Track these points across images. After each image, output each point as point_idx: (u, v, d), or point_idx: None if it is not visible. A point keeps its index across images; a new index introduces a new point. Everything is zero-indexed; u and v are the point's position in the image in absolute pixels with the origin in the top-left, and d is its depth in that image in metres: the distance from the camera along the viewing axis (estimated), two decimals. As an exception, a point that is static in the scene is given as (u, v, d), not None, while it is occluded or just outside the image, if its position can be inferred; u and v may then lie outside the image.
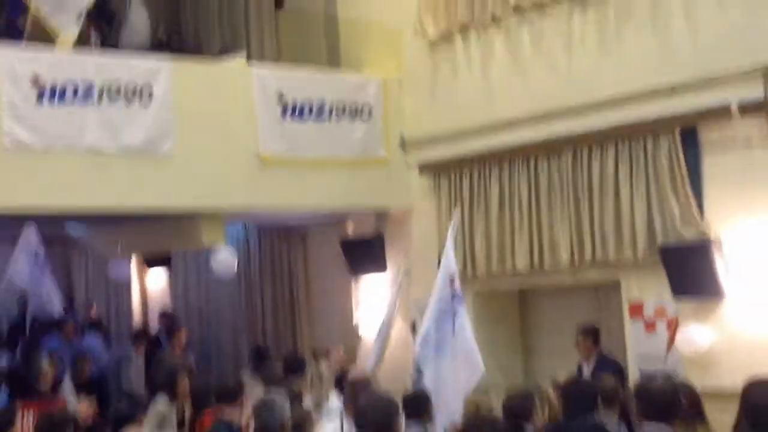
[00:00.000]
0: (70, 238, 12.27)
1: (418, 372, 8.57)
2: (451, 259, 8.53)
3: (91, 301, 13.93)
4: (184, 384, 9.05)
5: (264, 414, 6.05)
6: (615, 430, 6.59)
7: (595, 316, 9.81)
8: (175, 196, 9.30)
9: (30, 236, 12.68)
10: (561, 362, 10.07)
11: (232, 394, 6.99)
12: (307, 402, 7.93)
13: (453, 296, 8.56)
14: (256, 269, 12.56)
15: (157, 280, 14.10)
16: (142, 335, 11.67)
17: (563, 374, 8.21)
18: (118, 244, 11.07)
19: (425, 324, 8.63)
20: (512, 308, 10.55)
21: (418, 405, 7.01)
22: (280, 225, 12.07)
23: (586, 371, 9.13)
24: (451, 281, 8.55)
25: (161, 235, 10.31)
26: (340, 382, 8.06)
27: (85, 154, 8.84)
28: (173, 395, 8.92)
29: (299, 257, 12.13)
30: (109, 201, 9.01)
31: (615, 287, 9.14)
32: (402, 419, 6.07)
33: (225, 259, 9.88)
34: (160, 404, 8.91)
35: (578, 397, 6.07)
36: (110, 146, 8.95)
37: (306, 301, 12.03)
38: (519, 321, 10.61)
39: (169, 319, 12.80)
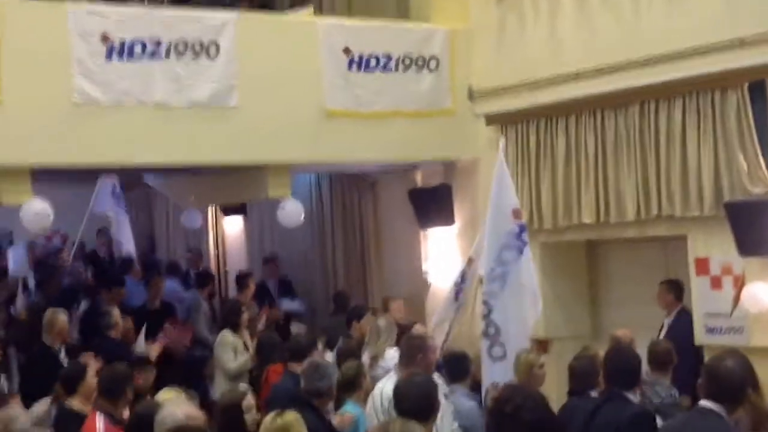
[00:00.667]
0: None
1: (487, 307, 8.63)
2: (509, 192, 8.53)
3: (196, 251, 14.23)
4: (246, 318, 9.36)
5: (313, 377, 6.19)
6: (666, 394, 6.58)
7: (663, 269, 9.76)
8: (242, 150, 9.41)
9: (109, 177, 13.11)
10: (629, 314, 10.08)
11: (304, 352, 7.15)
12: (365, 356, 8.06)
13: (518, 229, 8.58)
14: (328, 217, 12.70)
15: (234, 226, 14.35)
16: (207, 279, 11.81)
17: (624, 330, 8.20)
18: (189, 194, 11.30)
19: (487, 260, 8.66)
20: (579, 260, 10.49)
21: (458, 366, 7.08)
22: (350, 173, 12.16)
23: (666, 325, 9.09)
24: (514, 214, 8.56)
25: (230, 186, 10.48)
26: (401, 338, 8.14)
27: (153, 109, 8.98)
28: (236, 328, 9.25)
29: (369, 205, 12.21)
30: (176, 155, 9.17)
31: (683, 241, 9.04)
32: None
33: (291, 210, 10.00)
34: (226, 334, 9.22)
35: (619, 371, 5.98)
36: (178, 101, 9.08)
37: (375, 249, 12.12)
38: (587, 272, 10.56)
39: (273, 263, 13.00)
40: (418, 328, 8.19)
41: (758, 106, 8.17)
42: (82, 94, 8.63)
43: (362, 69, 10.05)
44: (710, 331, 8.68)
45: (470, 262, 9.36)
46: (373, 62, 10.12)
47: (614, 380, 5.95)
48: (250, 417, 5.77)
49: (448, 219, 10.97)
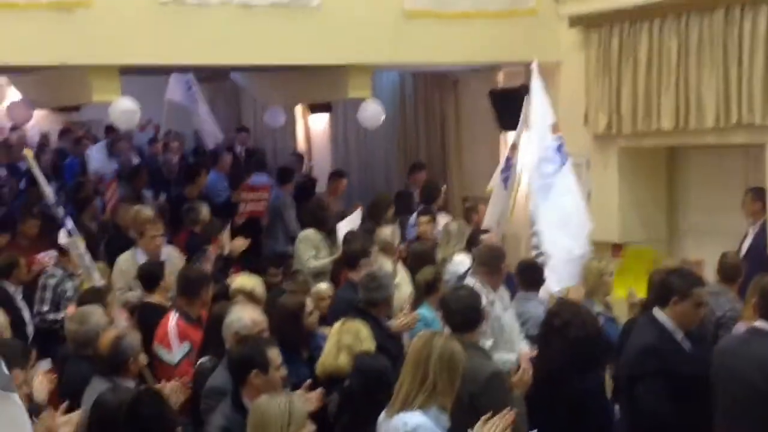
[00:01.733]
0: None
1: (532, 219, 8.73)
2: (547, 107, 8.54)
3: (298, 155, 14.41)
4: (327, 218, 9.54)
5: (370, 287, 6.37)
6: (729, 307, 6.60)
7: (744, 177, 9.71)
8: (323, 50, 9.51)
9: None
10: (707, 220, 10.10)
11: (356, 259, 7.34)
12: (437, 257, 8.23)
13: (558, 143, 8.58)
14: (411, 115, 12.81)
15: (320, 124, 14.55)
16: (288, 174, 11.86)
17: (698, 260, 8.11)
18: (272, 92, 11.49)
19: (529, 173, 8.69)
20: (659, 165, 10.44)
21: (532, 275, 7.20)
22: (432, 72, 12.19)
23: (751, 234, 9.06)
24: (552, 128, 8.56)
25: (312, 86, 10.63)
26: (471, 242, 8.26)
27: (236, 8, 9.10)
28: (320, 226, 9.43)
29: (451, 104, 12.28)
30: (258, 54, 9.34)
31: (764, 149, 8.96)
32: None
33: (371, 111, 10.13)
34: (309, 232, 9.40)
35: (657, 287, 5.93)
36: (260, 0, 9.20)
37: (456, 148, 12.22)
38: (666, 177, 10.52)
39: (420, 171, 12.43)
40: (491, 237, 8.25)
41: None
42: (167, -7, 8.80)
43: (444, -31, 10.01)
44: (784, 241, 8.67)
45: (513, 149, 9.45)
46: (454, -38, 10.06)
47: (648, 300, 5.94)
48: (312, 319, 6.05)
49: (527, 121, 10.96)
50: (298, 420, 4.20)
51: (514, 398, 5.03)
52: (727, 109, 8.91)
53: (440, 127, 12.37)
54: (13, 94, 12.49)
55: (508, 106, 10.99)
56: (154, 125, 16.48)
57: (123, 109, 8.70)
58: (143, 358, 5.57)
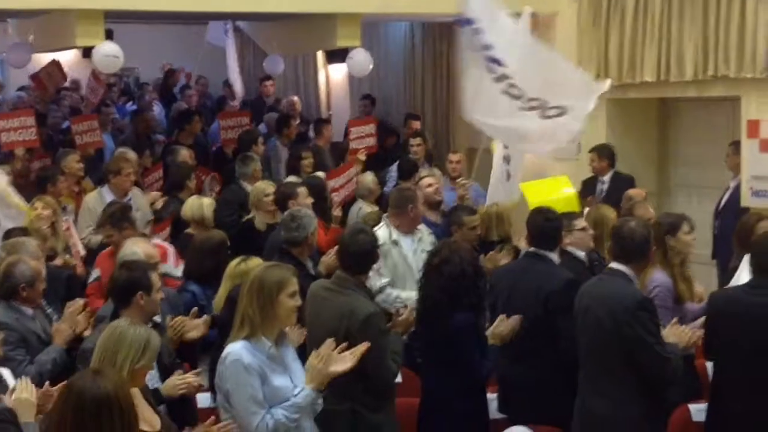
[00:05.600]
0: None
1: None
2: None
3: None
4: (307, 163, 9.75)
5: (290, 227, 6.45)
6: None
7: (729, 130, 9.65)
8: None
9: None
10: (696, 173, 10.09)
11: (285, 200, 7.50)
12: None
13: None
14: (420, 65, 12.89)
15: (338, 72, 14.67)
16: (282, 123, 11.66)
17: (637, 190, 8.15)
18: (272, 41, 11.65)
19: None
20: (648, 117, 10.44)
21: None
22: (441, 22, 12.22)
23: (731, 187, 9.05)
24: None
25: (304, 34, 10.78)
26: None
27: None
28: (297, 173, 9.61)
29: (457, 53, 12.28)
30: (246, 2, 9.54)
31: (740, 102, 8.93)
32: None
33: (359, 60, 10.24)
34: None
35: (539, 231, 5.97)
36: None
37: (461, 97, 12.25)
38: (656, 130, 10.51)
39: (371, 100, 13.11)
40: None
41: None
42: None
43: None
44: (755, 194, 8.64)
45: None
46: None
47: (535, 240, 5.97)
48: None
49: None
50: (150, 355, 4.26)
51: (391, 338, 5.19)
52: (705, 61, 8.90)
53: (446, 76, 12.42)
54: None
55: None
56: (186, 73, 16.81)
57: (105, 53, 8.93)
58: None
